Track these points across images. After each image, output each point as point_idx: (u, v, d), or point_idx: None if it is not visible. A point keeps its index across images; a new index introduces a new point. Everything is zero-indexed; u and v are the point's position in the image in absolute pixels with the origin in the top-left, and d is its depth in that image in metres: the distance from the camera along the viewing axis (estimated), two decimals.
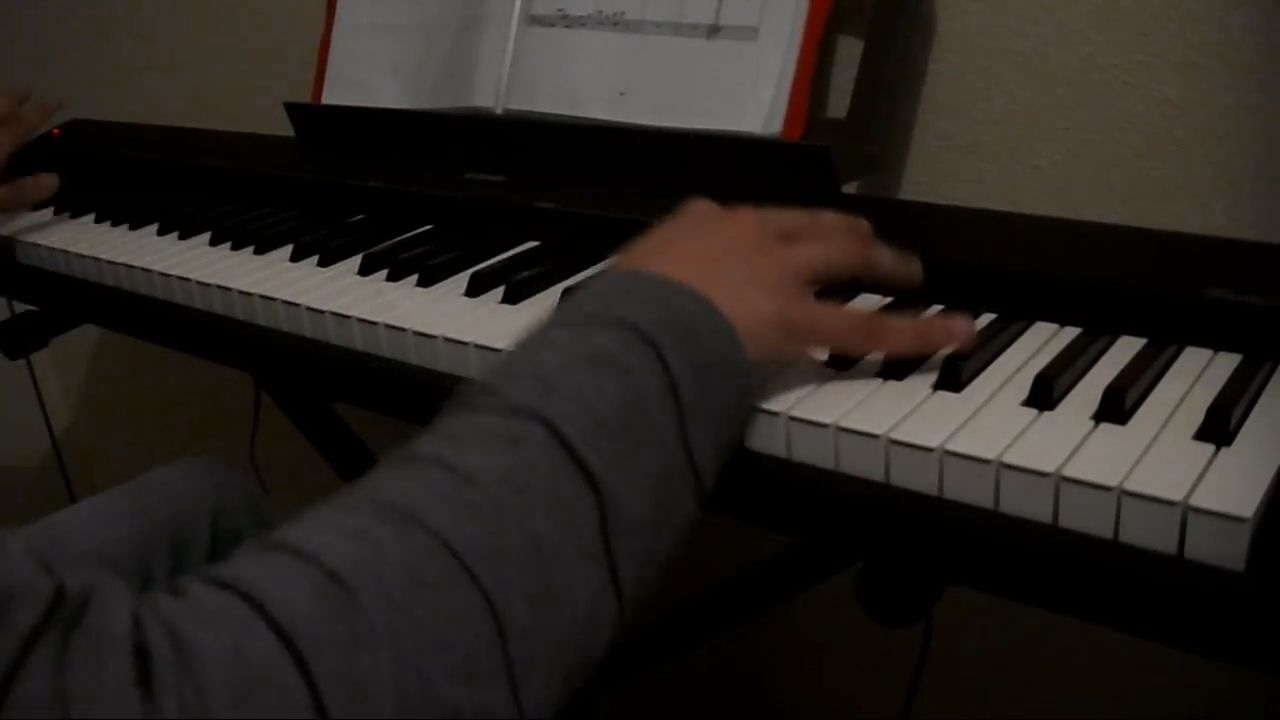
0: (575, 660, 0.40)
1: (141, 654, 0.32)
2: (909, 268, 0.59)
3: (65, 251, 0.93)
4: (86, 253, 0.91)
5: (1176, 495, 0.43)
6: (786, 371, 0.56)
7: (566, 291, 0.70)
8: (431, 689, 0.35)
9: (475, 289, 0.72)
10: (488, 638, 0.36)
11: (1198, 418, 0.48)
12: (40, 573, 0.33)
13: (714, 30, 0.83)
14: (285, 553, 0.36)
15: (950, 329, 0.55)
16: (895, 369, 0.55)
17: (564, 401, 0.42)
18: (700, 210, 0.56)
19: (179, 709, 0.31)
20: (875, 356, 0.57)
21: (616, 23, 0.87)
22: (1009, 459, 0.47)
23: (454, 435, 0.41)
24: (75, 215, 1.03)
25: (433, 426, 0.42)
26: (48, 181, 1.01)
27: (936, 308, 0.63)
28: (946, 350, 0.55)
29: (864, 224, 0.59)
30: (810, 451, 0.52)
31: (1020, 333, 0.59)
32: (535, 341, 0.46)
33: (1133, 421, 0.49)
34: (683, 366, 0.45)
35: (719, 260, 0.51)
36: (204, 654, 0.32)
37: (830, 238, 0.56)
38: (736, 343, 0.48)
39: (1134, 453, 0.46)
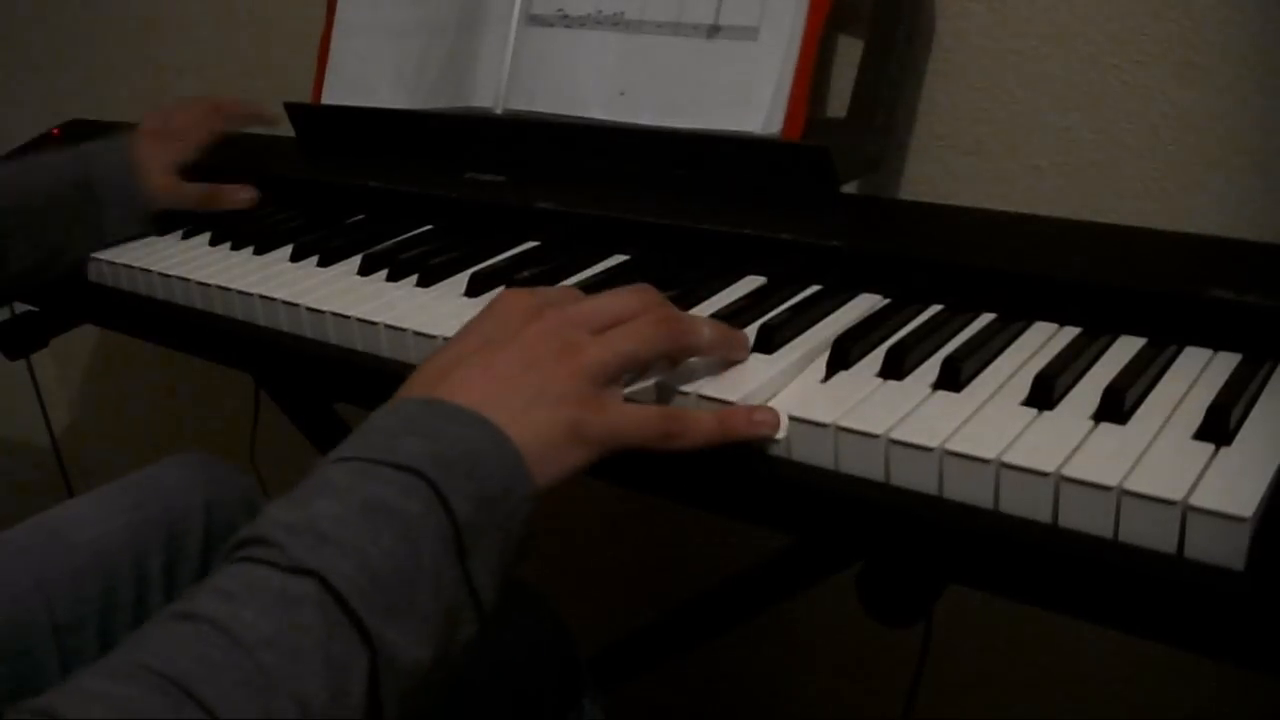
0: None
1: None
2: (730, 343, 0.58)
3: None
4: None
5: (1176, 495, 0.43)
6: (785, 372, 0.56)
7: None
8: None
9: (475, 289, 0.72)
10: None
11: (1197, 417, 0.48)
12: None
13: (714, 30, 0.83)
14: None
15: (755, 420, 0.53)
16: (895, 369, 0.55)
17: (338, 557, 0.42)
18: (498, 314, 0.54)
19: None
20: (876, 356, 0.57)
21: (616, 23, 0.87)
22: (1009, 459, 0.47)
23: (231, 593, 0.42)
24: None
25: (212, 577, 0.43)
26: (245, 194, 0.97)
27: (937, 307, 0.63)
28: (771, 433, 0.53)
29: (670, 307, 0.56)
30: (810, 451, 0.52)
31: (1020, 333, 0.59)
32: (316, 486, 0.46)
33: (1132, 421, 0.49)
34: (463, 502, 0.45)
35: (507, 379, 0.50)
36: None
37: (638, 329, 0.53)
38: (521, 469, 0.47)
39: (1134, 452, 0.46)
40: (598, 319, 0.54)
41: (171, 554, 0.77)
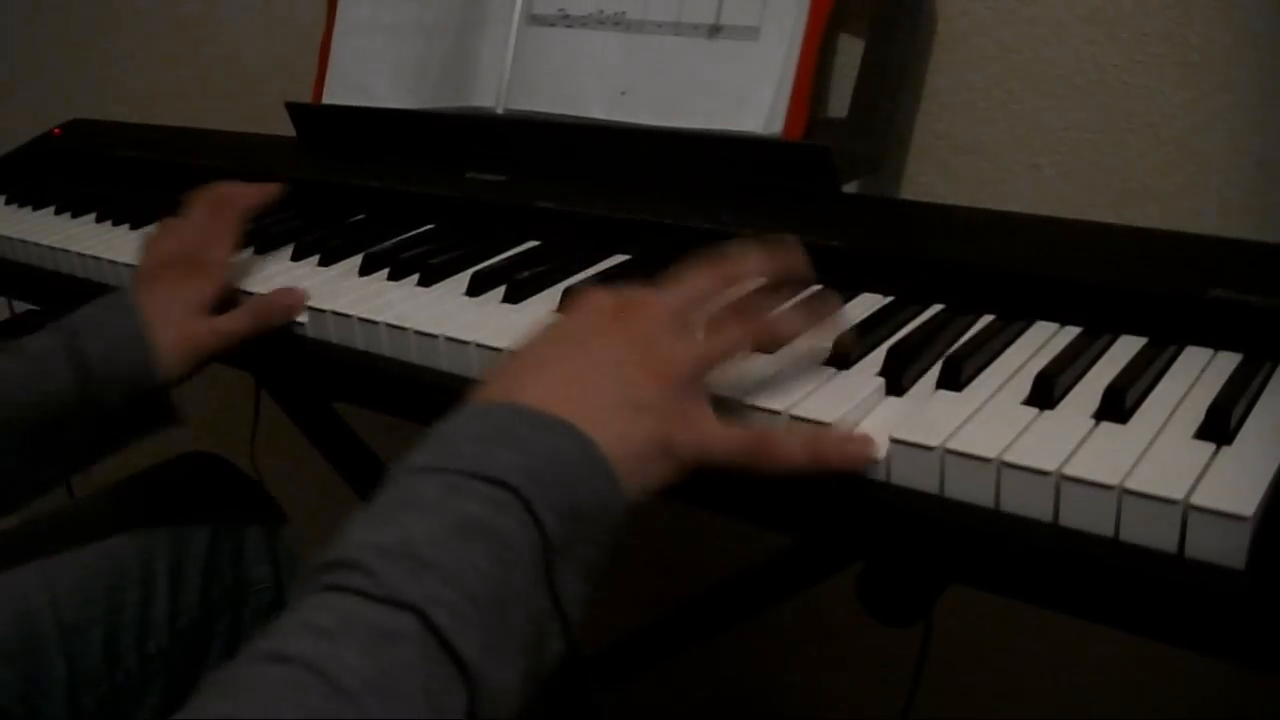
0: None
1: None
2: (815, 315, 0.56)
3: (66, 251, 0.93)
4: (87, 252, 0.91)
5: (1177, 494, 0.43)
6: (786, 371, 0.56)
7: (567, 292, 0.70)
8: None
9: (476, 288, 0.72)
10: None
11: (1198, 417, 0.48)
12: None
13: (715, 30, 0.83)
14: None
15: (846, 451, 0.50)
16: (896, 369, 0.55)
17: (436, 584, 0.40)
18: (578, 316, 0.54)
19: None
20: (876, 356, 0.57)
21: (617, 23, 0.87)
22: (1009, 458, 0.47)
23: (325, 630, 0.39)
24: (76, 215, 1.03)
25: (300, 608, 0.41)
26: (291, 298, 0.73)
27: (938, 307, 0.63)
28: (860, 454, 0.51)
29: (780, 258, 0.57)
30: None
31: (1020, 332, 0.59)
32: (402, 500, 0.44)
33: (1133, 420, 0.49)
34: (554, 517, 0.44)
35: (592, 385, 0.49)
36: None
37: (722, 328, 0.53)
38: (612, 480, 0.46)
39: (1134, 452, 0.46)
40: (680, 313, 0.53)
41: (177, 554, 0.76)
